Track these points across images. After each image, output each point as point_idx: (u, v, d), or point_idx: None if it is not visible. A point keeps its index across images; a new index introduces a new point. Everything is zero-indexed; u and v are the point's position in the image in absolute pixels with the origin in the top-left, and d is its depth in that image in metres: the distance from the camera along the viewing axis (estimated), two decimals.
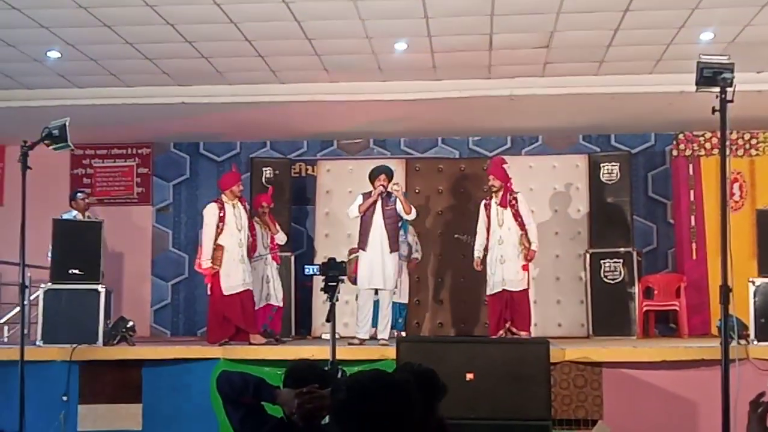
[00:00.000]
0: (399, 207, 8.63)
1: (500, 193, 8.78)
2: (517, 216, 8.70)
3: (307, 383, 3.50)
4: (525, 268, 8.71)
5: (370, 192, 8.72)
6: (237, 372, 3.85)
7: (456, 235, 10.70)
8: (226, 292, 8.60)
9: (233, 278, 8.62)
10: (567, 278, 10.68)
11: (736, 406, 4.41)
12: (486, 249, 8.85)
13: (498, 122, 10.50)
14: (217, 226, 8.65)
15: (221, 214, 8.68)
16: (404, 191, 9.33)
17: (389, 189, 8.66)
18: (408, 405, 2.20)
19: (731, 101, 4.37)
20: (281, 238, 9.56)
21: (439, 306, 10.87)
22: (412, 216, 8.88)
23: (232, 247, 8.67)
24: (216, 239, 8.63)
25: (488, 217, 8.83)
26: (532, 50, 8.30)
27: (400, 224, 9.00)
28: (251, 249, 9.10)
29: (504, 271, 8.63)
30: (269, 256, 9.38)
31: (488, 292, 8.85)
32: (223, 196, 8.85)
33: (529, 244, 8.66)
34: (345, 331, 9.60)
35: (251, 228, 9.16)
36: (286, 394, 3.52)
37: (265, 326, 9.12)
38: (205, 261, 8.63)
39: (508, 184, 8.85)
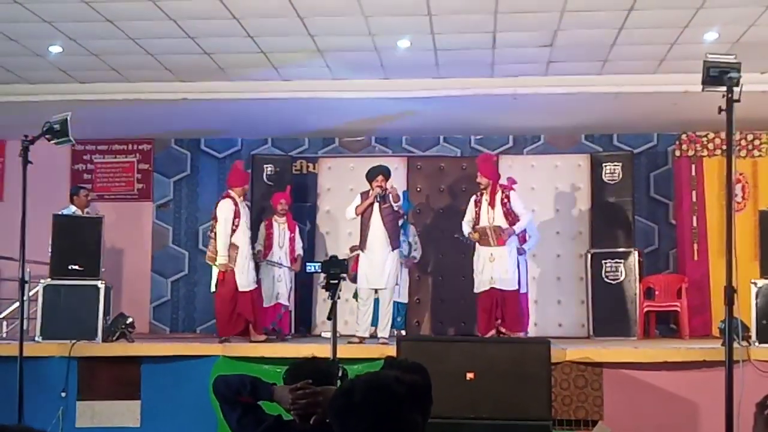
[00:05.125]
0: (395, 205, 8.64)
1: (488, 191, 8.73)
2: (508, 215, 8.62)
3: (304, 379, 3.48)
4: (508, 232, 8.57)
5: (367, 191, 8.72)
6: (233, 374, 3.83)
7: (456, 235, 10.68)
8: (241, 289, 8.65)
9: (246, 276, 8.70)
10: (568, 278, 10.65)
11: (739, 408, 4.39)
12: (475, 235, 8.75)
13: (500, 121, 10.47)
14: (233, 223, 8.66)
15: (236, 209, 8.71)
16: (402, 191, 9.41)
17: (387, 189, 8.62)
18: (397, 402, 2.18)
19: (738, 101, 4.34)
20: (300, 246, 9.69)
21: (439, 305, 10.84)
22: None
23: (244, 245, 8.72)
24: (231, 236, 8.65)
25: (477, 213, 8.77)
26: (535, 49, 8.27)
27: (400, 224, 8.99)
28: (266, 248, 9.17)
29: (493, 270, 8.55)
30: (285, 263, 9.40)
31: (476, 290, 8.75)
32: (232, 192, 8.86)
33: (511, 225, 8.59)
34: (345, 329, 9.58)
35: (268, 227, 9.22)
36: (281, 391, 3.50)
37: (273, 324, 9.14)
38: (221, 257, 8.62)
39: (498, 182, 8.79)
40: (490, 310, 8.60)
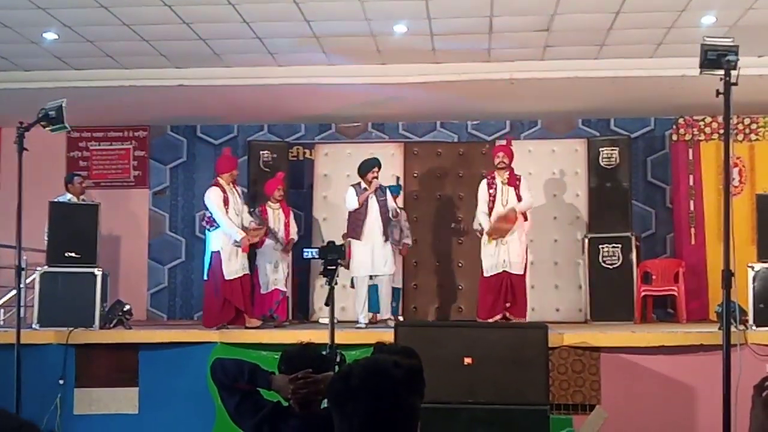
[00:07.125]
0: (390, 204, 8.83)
1: (506, 172, 8.78)
2: (519, 198, 8.72)
3: (301, 368, 3.47)
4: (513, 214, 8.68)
5: (359, 183, 8.86)
6: (231, 359, 3.82)
7: (453, 225, 10.72)
8: (227, 277, 8.58)
9: (233, 263, 8.62)
10: (565, 263, 10.64)
11: (736, 391, 4.40)
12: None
13: (497, 106, 10.45)
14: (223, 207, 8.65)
15: (225, 196, 8.69)
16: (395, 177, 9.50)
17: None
18: (395, 386, 2.19)
19: (735, 84, 4.33)
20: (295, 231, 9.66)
21: (437, 290, 10.84)
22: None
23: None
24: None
25: (491, 195, 8.79)
26: (532, 33, 8.24)
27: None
28: (263, 234, 9.18)
29: (507, 253, 8.61)
30: (280, 246, 9.38)
31: (486, 274, 8.76)
32: (220, 179, 8.83)
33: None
34: (342, 315, 9.61)
35: (263, 213, 9.21)
36: (281, 380, 3.50)
37: (271, 311, 9.14)
38: (237, 235, 8.54)
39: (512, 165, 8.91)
40: (498, 294, 8.63)
